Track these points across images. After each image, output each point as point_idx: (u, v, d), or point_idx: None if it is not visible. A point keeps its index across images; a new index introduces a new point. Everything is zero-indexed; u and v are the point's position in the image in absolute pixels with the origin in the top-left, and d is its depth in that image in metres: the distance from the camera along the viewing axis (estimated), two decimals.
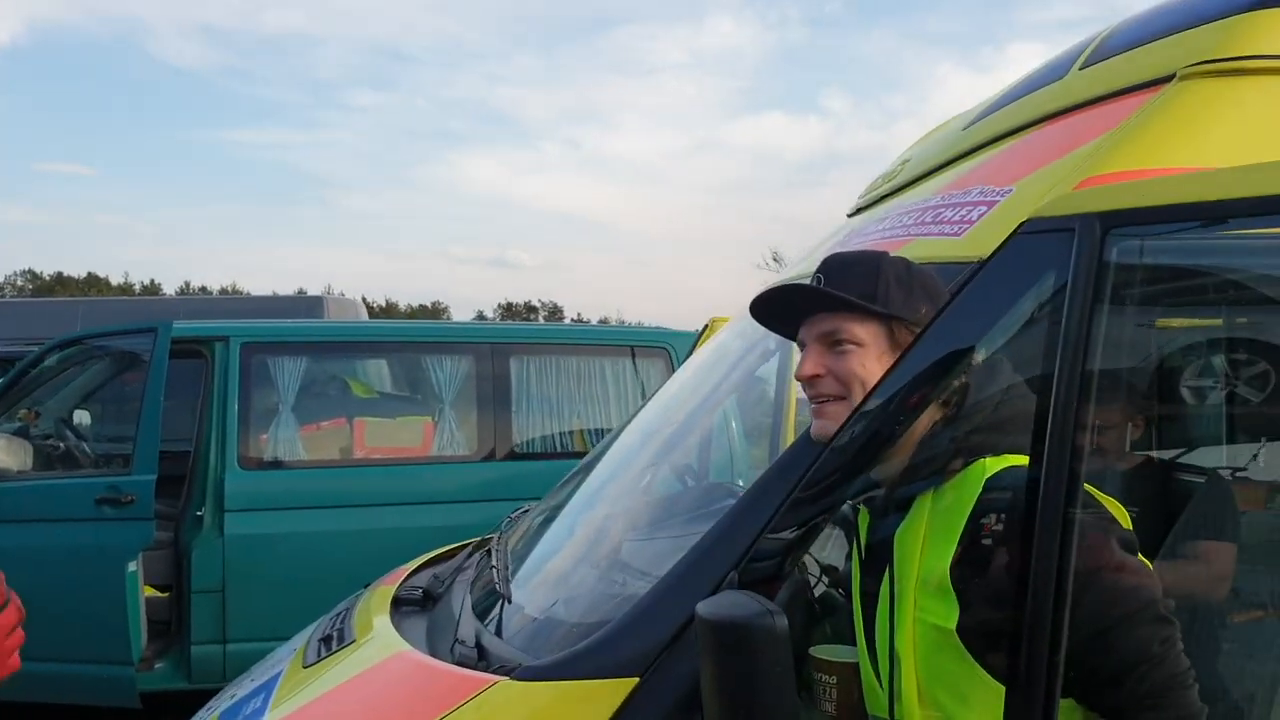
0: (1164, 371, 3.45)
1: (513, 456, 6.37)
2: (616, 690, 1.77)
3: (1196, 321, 3.39)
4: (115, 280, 68.11)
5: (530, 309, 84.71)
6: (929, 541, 1.68)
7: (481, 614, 2.27)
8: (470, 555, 2.94)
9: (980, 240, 1.98)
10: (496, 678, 1.85)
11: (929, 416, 1.75)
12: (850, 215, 3.08)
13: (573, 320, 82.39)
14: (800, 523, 1.81)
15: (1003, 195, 2.13)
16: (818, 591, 2.55)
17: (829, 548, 2.81)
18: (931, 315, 1.78)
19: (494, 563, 2.48)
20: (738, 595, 1.61)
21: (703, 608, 1.58)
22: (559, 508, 2.84)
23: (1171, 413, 3.59)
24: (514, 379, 6.43)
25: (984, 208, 2.13)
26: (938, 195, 2.39)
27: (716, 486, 3.30)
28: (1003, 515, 1.60)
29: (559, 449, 6.49)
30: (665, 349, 6.77)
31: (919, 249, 2.20)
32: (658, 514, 2.83)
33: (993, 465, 1.66)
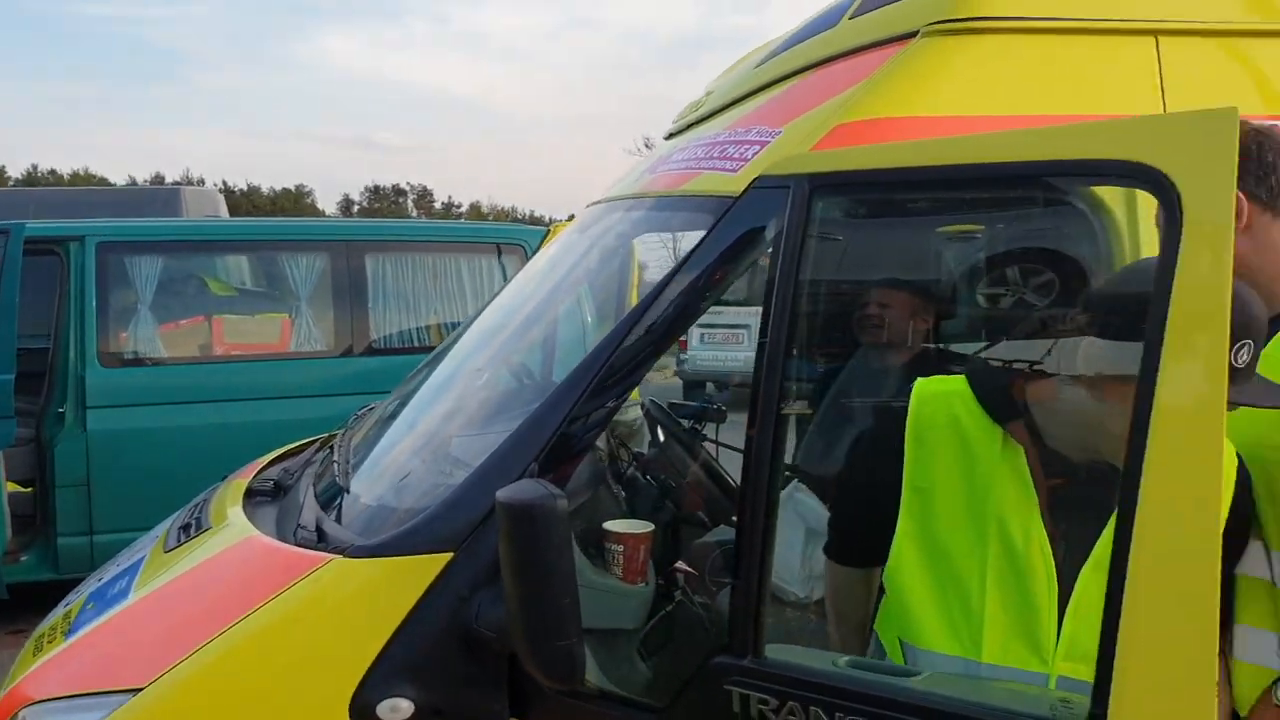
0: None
1: (370, 352, 6.62)
2: (435, 563, 2.11)
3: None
4: None
5: (399, 192, 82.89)
6: None
7: (324, 503, 2.58)
8: (318, 450, 3.23)
9: (749, 178, 2.31)
10: (332, 556, 2.17)
11: None
12: (666, 138, 3.39)
13: (443, 204, 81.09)
14: (589, 418, 2.16)
15: (773, 136, 2.45)
16: (629, 473, 2.94)
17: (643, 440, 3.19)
18: None
19: (335, 457, 2.78)
20: (529, 482, 1.95)
21: (501, 493, 1.91)
22: (400, 405, 3.14)
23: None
24: (370, 275, 6.65)
25: (757, 147, 2.45)
26: (727, 130, 2.71)
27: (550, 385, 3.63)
28: None
29: (415, 343, 6.76)
30: (521, 246, 7.04)
31: (705, 182, 2.53)
32: (490, 411, 3.16)
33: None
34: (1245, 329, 1.59)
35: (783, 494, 3.33)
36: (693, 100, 3.27)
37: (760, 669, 1.83)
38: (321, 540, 2.30)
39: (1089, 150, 1.50)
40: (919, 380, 1.98)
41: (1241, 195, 1.90)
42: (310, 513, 2.44)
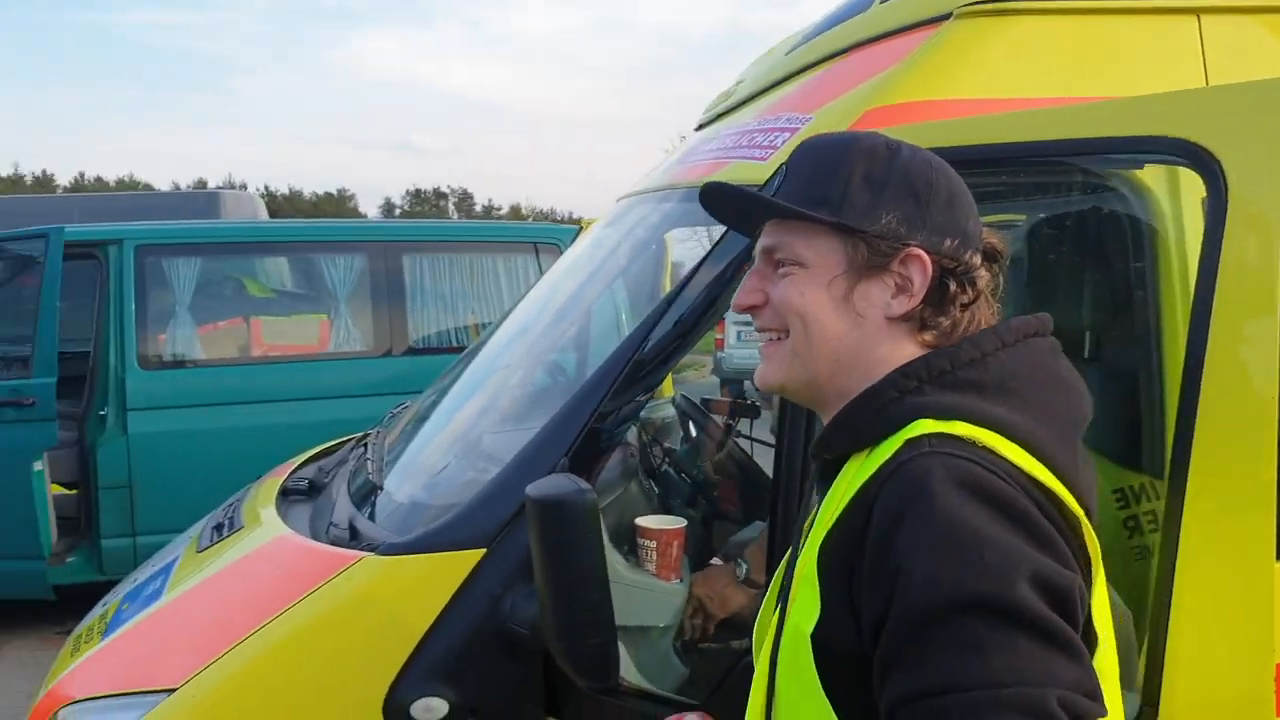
0: None
1: (409, 352, 6.64)
2: (467, 560, 2.10)
3: None
4: (3, 172, 65.37)
5: (440, 195, 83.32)
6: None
7: (358, 501, 2.57)
8: (354, 449, 3.22)
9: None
10: (363, 554, 2.15)
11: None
12: (696, 129, 3.34)
13: (484, 206, 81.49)
14: (618, 413, 2.14)
15: (804, 122, 2.41)
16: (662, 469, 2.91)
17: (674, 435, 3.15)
18: (898, 224, 1.24)
19: (369, 455, 2.77)
20: (559, 477, 1.92)
21: (531, 489, 1.88)
22: (434, 403, 3.12)
23: None
24: (408, 276, 6.66)
25: (788, 134, 2.41)
26: (757, 118, 2.67)
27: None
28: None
29: (454, 343, 6.76)
30: (556, 245, 7.03)
31: (736, 171, 2.49)
32: (523, 408, 3.14)
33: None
34: None
35: None
36: (724, 90, 3.23)
37: None
38: (354, 538, 2.29)
39: (1126, 126, 1.44)
40: None
41: None
42: (343, 511, 2.43)
